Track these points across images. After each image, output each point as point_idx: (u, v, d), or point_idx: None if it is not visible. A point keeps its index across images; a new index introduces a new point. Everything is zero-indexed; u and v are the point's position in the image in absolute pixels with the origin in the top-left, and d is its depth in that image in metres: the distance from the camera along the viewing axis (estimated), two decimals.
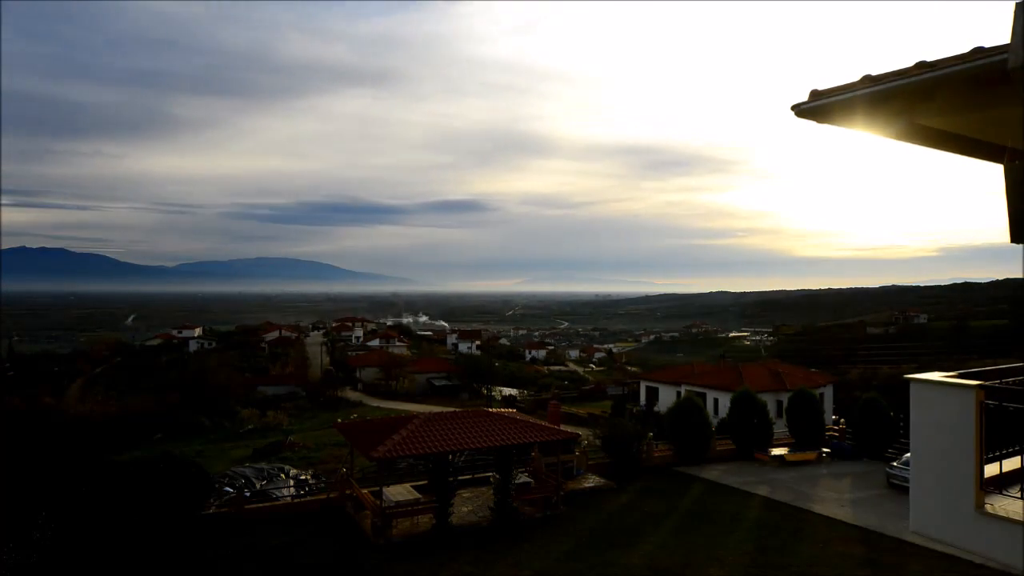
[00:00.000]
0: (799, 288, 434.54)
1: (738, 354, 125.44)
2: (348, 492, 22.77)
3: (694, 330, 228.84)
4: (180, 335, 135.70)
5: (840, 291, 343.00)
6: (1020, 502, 5.81)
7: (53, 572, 17.02)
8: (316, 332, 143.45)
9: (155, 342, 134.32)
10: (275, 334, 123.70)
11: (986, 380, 6.26)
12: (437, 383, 74.68)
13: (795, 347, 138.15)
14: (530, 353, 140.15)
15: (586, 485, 25.42)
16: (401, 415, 31.34)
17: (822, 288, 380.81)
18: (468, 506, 22.41)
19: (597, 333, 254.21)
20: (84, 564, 17.64)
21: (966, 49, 4.08)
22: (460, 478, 23.43)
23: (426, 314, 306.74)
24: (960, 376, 6.41)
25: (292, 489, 25.60)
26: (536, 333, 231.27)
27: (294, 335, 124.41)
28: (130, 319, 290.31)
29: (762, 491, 24.85)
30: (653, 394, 51.54)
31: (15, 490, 18.86)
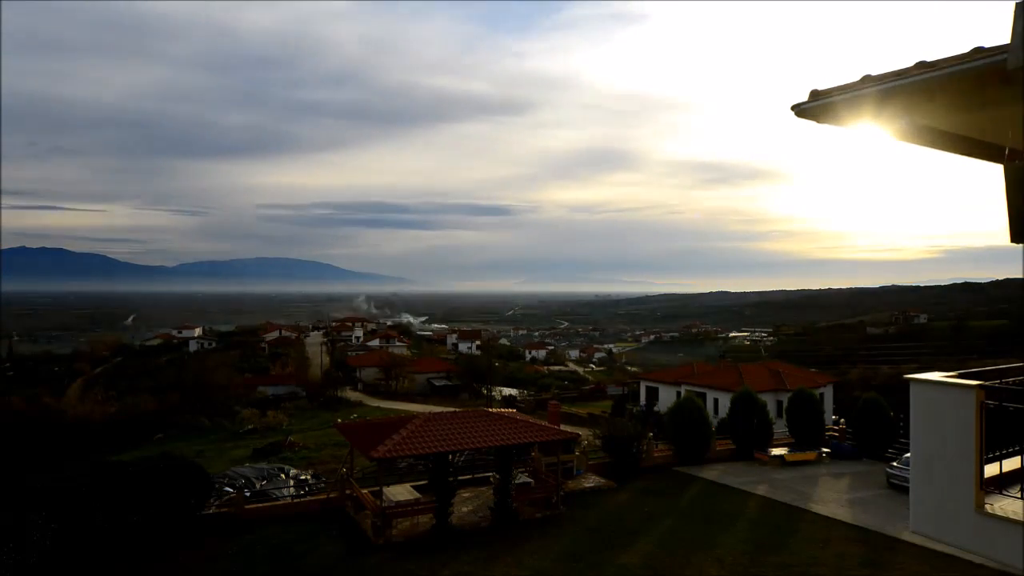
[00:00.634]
0: (799, 288, 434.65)
1: (738, 354, 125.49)
2: (348, 492, 22.77)
3: (694, 330, 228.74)
4: (180, 335, 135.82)
5: (840, 291, 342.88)
6: (1020, 502, 5.81)
7: (53, 572, 17.02)
8: (316, 332, 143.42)
9: (155, 342, 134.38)
10: (275, 334, 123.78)
11: (986, 380, 6.26)
12: (437, 383, 74.68)
13: (795, 347, 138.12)
14: (530, 353, 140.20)
15: (586, 485, 25.42)
16: (401, 415, 31.36)
17: (822, 288, 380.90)
18: (468, 506, 22.41)
19: (597, 333, 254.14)
20: (84, 564, 17.64)
21: (966, 49, 4.08)
22: (460, 478, 23.45)
23: (426, 314, 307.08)
24: (960, 376, 6.41)
25: (292, 489, 25.57)
26: (536, 333, 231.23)
27: (294, 335, 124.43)
28: (130, 319, 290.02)
29: (762, 491, 24.85)
30: (653, 394, 51.52)
31: (15, 490, 18.86)
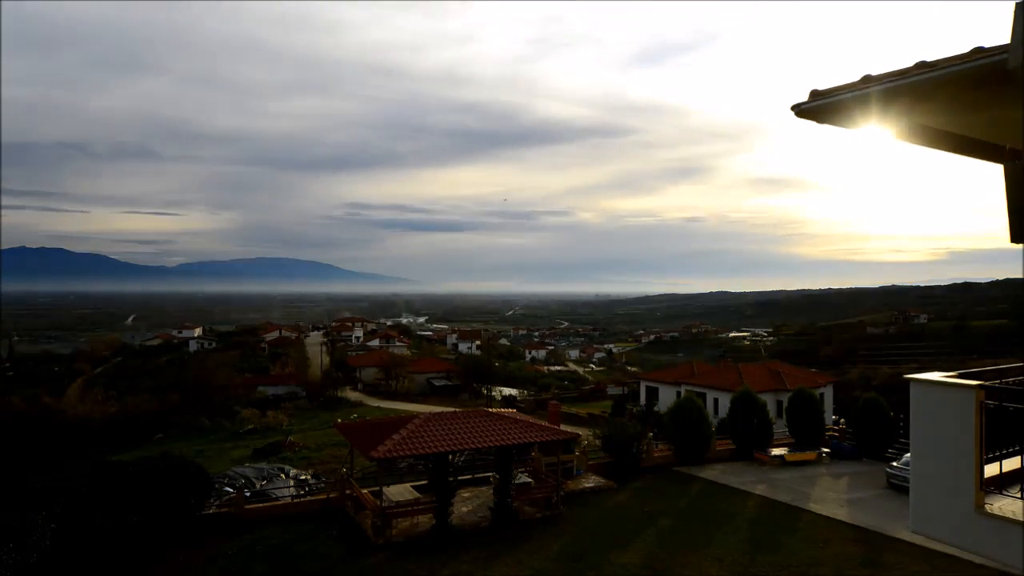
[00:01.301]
0: (799, 288, 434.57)
1: (738, 354, 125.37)
2: (348, 492, 22.76)
3: (694, 330, 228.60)
4: (180, 335, 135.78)
5: (840, 291, 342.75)
6: (1020, 502, 5.81)
7: (53, 572, 17.02)
8: (316, 332, 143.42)
9: (155, 342, 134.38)
10: (275, 334, 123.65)
11: (986, 380, 6.26)
12: (437, 383, 74.66)
13: (795, 347, 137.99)
14: (530, 353, 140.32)
15: (586, 485, 25.42)
16: (401, 415, 31.35)
17: (822, 288, 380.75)
18: (468, 506, 22.40)
19: (597, 333, 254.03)
20: (84, 564, 17.65)
21: (966, 49, 4.08)
22: (460, 478, 23.44)
23: (426, 314, 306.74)
24: (960, 376, 6.41)
25: (292, 489, 25.57)
26: (536, 333, 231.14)
27: (294, 335, 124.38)
28: (130, 319, 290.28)
29: (762, 491, 24.85)
30: (653, 394, 51.54)
31: (15, 490, 18.87)
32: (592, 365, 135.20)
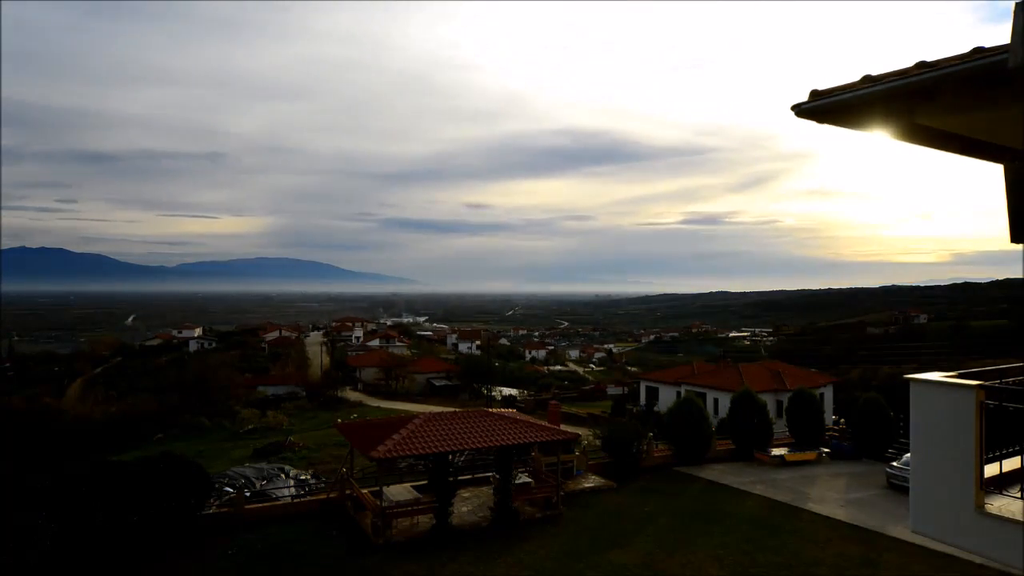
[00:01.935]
0: (799, 288, 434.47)
1: (738, 354, 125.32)
2: (348, 492, 22.76)
3: (694, 330, 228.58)
4: (180, 335, 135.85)
5: (840, 291, 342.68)
6: (1020, 502, 5.81)
7: (53, 572, 17.02)
8: (316, 332, 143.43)
9: (155, 342, 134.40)
10: (275, 334, 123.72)
11: (986, 380, 6.26)
12: (437, 383, 74.64)
13: (795, 347, 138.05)
14: (530, 353, 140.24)
15: (586, 485, 25.42)
16: (401, 415, 31.32)
17: (822, 288, 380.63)
18: (468, 506, 22.40)
19: (597, 333, 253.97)
20: (84, 564, 17.64)
21: (966, 49, 4.08)
22: (460, 478, 23.44)
23: (426, 314, 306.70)
24: (960, 376, 6.41)
25: (292, 489, 25.57)
26: (536, 333, 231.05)
27: (294, 335, 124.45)
28: (130, 319, 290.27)
29: (761, 491, 24.85)
30: (653, 394, 51.54)
31: (15, 490, 18.86)
32: (592, 365, 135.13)
